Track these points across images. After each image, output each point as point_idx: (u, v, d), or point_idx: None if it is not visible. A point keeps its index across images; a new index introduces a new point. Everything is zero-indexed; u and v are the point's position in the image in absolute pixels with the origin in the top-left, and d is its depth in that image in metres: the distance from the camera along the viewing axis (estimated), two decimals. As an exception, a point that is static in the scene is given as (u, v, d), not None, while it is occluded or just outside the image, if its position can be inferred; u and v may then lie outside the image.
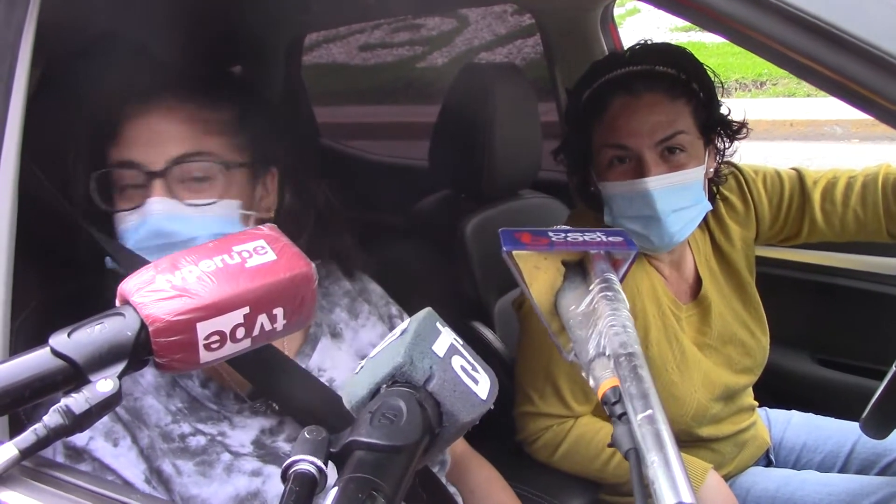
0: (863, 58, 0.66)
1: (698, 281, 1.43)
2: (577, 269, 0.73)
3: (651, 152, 1.26)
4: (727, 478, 1.47)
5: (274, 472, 0.96)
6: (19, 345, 1.01)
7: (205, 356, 0.68)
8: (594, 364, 0.63)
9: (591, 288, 0.69)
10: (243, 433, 0.99)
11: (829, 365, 1.86)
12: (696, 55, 1.35)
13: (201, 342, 0.67)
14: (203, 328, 0.67)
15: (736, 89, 7.11)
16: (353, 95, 3.78)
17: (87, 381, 0.63)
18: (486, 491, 1.23)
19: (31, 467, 0.71)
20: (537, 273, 0.72)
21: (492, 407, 0.65)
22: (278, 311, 0.71)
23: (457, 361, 0.65)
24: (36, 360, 0.63)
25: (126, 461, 0.91)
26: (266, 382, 1.00)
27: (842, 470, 1.53)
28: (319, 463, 0.58)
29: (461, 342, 0.68)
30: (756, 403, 1.56)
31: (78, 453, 0.91)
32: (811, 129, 6.20)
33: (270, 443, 1.00)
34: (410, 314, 1.20)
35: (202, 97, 1.02)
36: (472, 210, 1.77)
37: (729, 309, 1.45)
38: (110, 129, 0.99)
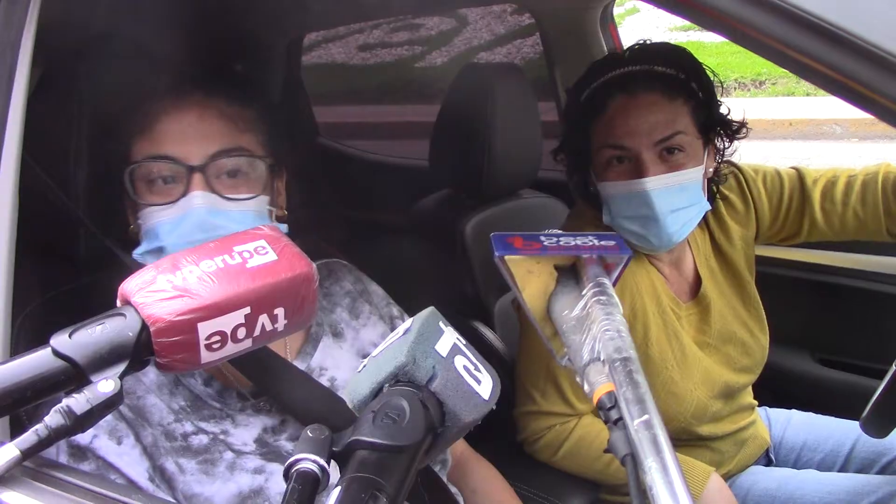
0: (863, 56, 0.66)
1: (698, 280, 1.43)
2: (570, 273, 0.73)
3: (649, 152, 1.26)
4: (727, 477, 1.47)
5: (276, 469, 0.97)
6: (20, 345, 1.01)
7: (206, 356, 0.68)
8: (589, 369, 0.63)
9: (584, 292, 0.69)
10: (246, 431, 0.99)
11: (829, 364, 1.86)
12: (695, 55, 1.35)
13: (202, 342, 0.67)
14: (204, 328, 0.67)
15: (735, 88, 7.11)
16: (353, 95, 3.78)
17: (89, 382, 0.63)
18: (487, 490, 1.23)
19: (32, 468, 0.71)
20: (530, 277, 0.72)
21: (494, 407, 0.65)
22: (279, 311, 0.71)
23: (459, 361, 0.65)
24: (37, 361, 0.63)
25: (129, 459, 0.91)
26: (265, 383, 1.00)
27: (842, 469, 1.53)
28: (322, 462, 0.58)
29: (464, 342, 0.68)
30: (755, 402, 1.56)
31: (82, 452, 0.91)
32: (810, 128, 6.20)
33: (273, 441, 1.00)
34: (411, 313, 1.20)
35: (231, 94, 1.04)
36: (472, 209, 1.77)
37: (729, 308, 1.45)
38: (141, 124, 1.00)
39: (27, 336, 1.04)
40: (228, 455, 0.96)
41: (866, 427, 1.14)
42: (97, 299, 0.73)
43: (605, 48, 2.05)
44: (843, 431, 1.56)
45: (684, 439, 1.42)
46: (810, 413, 1.64)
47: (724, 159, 1.42)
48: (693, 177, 1.28)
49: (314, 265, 0.75)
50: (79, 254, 1.18)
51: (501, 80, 1.77)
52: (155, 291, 0.66)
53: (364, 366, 0.66)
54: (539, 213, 1.90)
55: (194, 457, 0.95)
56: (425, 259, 1.83)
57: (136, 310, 0.66)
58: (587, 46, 2.04)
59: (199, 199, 0.96)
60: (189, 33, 1.22)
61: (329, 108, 3.27)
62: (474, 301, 1.73)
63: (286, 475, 0.58)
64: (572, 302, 0.69)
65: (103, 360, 0.64)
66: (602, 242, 0.72)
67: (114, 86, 1.10)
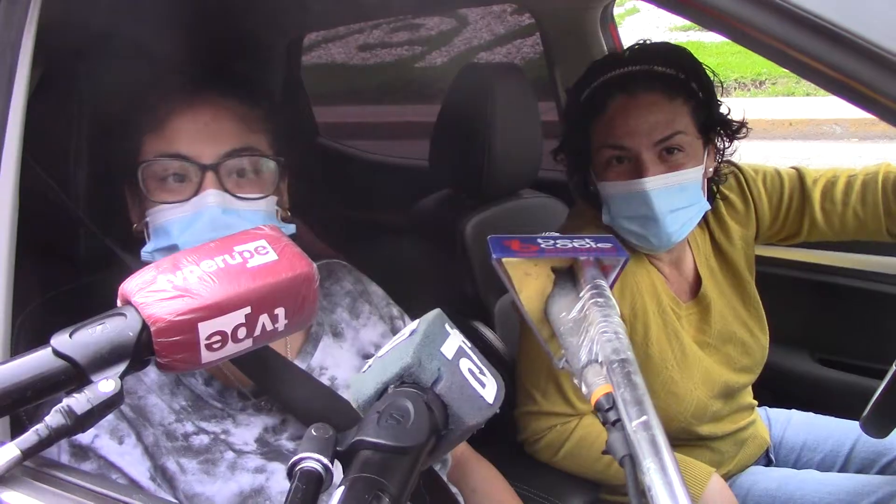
0: (863, 56, 0.66)
1: (698, 279, 1.43)
2: (567, 275, 0.73)
3: (649, 152, 1.26)
4: (727, 477, 1.47)
5: (278, 468, 0.97)
6: (20, 345, 1.01)
7: (206, 356, 0.68)
8: (586, 371, 0.63)
9: (581, 294, 0.69)
10: (247, 431, 0.99)
11: (829, 364, 1.86)
12: (695, 54, 1.35)
13: (203, 342, 0.67)
14: (204, 328, 0.67)
15: (735, 88, 7.11)
16: (353, 95, 3.78)
17: (89, 382, 0.63)
18: (488, 490, 1.23)
19: (33, 467, 0.71)
20: (527, 280, 0.72)
21: (497, 411, 0.65)
22: (280, 311, 0.71)
23: (465, 364, 0.66)
24: (38, 361, 0.63)
25: (131, 459, 0.91)
26: (266, 382, 1.00)
27: (842, 469, 1.53)
28: (326, 461, 0.58)
29: (469, 344, 0.68)
30: (755, 402, 1.56)
31: (83, 451, 0.91)
32: (810, 128, 6.20)
33: (274, 441, 1.00)
34: (411, 313, 1.22)
35: (242, 95, 1.05)
36: (472, 209, 1.77)
37: (729, 308, 1.45)
38: (153, 121, 1.01)
39: (27, 336, 1.04)
40: (229, 455, 0.96)
41: (866, 427, 1.14)
42: (97, 299, 0.73)
43: (605, 48, 2.05)
44: (843, 431, 1.56)
45: (684, 439, 1.42)
46: (810, 413, 1.64)
47: (724, 159, 1.42)
48: (693, 177, 1.28)
49: (315, 265, 0.75)
50: (79, 254, 1.18)
51: (501, 80, 1.77)
52: (155, 291, 0.66)
53: (369, 365, 0.66)
54: (539, 213, 1.90)
55: (195, 457, 0.95)
56: (425, 259, 1.83)
57: (137, 310, 0.66)
58: (587, 46, 2.04)
59: (212, 197, 0.97)
60: (189, 33, 1.22)
61: (329, 109, 3.27)
62: (474, 301, 1.73)
63: (290, 474, 0.58)
64: (570, 304, 0.70)
65: (104, 360, 0.64)
66: (599, 245, 0.73)
67: (114, 86, 1.10)
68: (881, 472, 1.49)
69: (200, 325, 0.66)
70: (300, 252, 0.75)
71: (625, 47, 1.39)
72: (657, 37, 1.49)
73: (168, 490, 0.93)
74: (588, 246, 0.72)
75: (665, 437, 0.54)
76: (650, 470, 0.52)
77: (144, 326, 0.65)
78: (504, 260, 0.71)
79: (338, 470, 0.59)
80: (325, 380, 1.06)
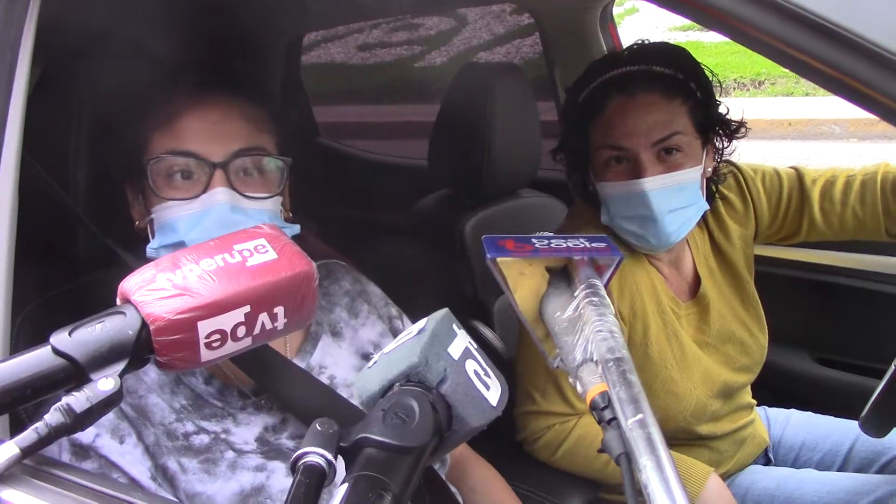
0: (862, 55, 0.66)
1: (697, 279, 1.43)
2: (562, 275, 0.73)
3: (647, 153, 1.26)
4: (726, 476, 1.47)
5: (278, 467, 0.97)
6: (20, 344, 1.01)
7: (206, 355, 0.68)
8: (582, 370, 0.63)
9: (576, 294, 0.69)
10: (247, 430, 0.99)
11: (828, 364, 1.86)
12: (694, 54, 1.35)
13: (202, 341, 0.67)
14: (204, 327, 0.67)
15: (734, 88, 7.11)
16: (352, 95, 3.78)
17: (89, 380, 0.64)
18: (487, 490, 1.23)
19: (32, 466, 0.71)
20: (522, 279, 0.72)
21: (500, 414, 0.65)
22: (279, 310, 0.71)
23: (470, 365, 0.66)
24: (37, 359, 0.63)
25: (132, 458, 0.91)
26: (266, 380, 1.00)
27: (841, 468, 1.53)
28: (329, 456, 0.58)
29: (475, 346, 0.68)
30: (754, 402, 1.56)
31: (84, 450, 0.91)
32: (809, 128, 6.21)
33: (274, 440, 1.00)
34: (410, 313, 1.22)
35: (251, 95, 1.06)
36: (471, 209, 1.77)
37: (728, 307, 1.45)
38: (162, 118, 1.01)
39: (27, 335, 1.04)
40: (230, 454, 0.96)
41: (865, 426, 1.14)
42: (97, 298, 0.73)
43: (605, 48, 2.05)
44: (842, 431, 1.56)
45: (683, 438, 1.42)
46: (809, 412, 1.64)
47: (723, 159, 1.42)
48: (691, 177, 1.28)
49: (314, 264, 0.75)
50: (78, 253, 1.18)
51: (501, 79, 1.77)
52: (155, 290, 0.66)
53: (375, 361, 0.66)
54: (538, 213, 1.90)
55: (196, 456, 0.95)
56: (425, 259, 1.83)
57: (136, 308, 0.66)
58: (586, 46, 2.04)
59: (222, 195, 0.97)
60: (188, 33, 1.22)
61: (328, 108, 3.27)
62: (474, 300, 1.73)
63: (293, 467, 0.58)
64: (564, 303, 0.70)
65: (103, 359, 0.64)
66: (593, 245, 0.73)
67: (114, 84, 1.10)
68: (880, 471, 1.49)
69: (200, 324, 0.66)
70: (299, 251, 0.75)
71: (624, 47, 1.40)
72: (656, 37, 1.49)
73: (169, 489, 0.93)
74: (582, 246, 0.73)
75: (661, 435, 0.54)
76: (646, 467, 0.52)
77: (144, 325, 0.65)
78: (499, 259, 0.71)
79: (340, 465, 0.59)
80: (324, 379, 1.06)
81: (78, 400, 0.63)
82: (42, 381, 0.63)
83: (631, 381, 0.59)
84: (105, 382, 0.63)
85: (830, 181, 1.43)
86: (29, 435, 0.63)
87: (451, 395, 0.63)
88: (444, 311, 0.69)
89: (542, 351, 0.72)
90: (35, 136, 0.95)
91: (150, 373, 0.99)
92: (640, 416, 0.55)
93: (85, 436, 0.90)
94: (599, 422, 0.59)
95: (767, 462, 1.59)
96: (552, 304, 0.71)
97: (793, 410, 1.66)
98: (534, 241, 0.73)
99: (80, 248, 1.18)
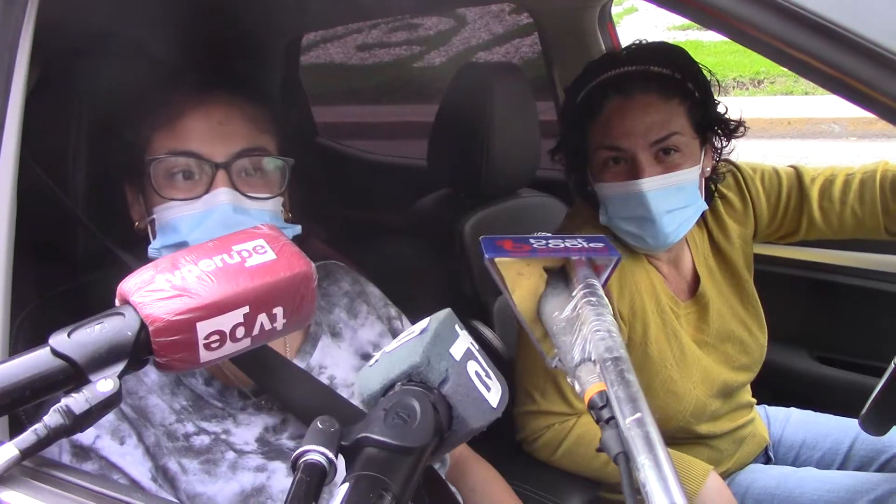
0: (862, 54, 0.66)
1: (697, 278, 1.43)
2: (560, 275, 0.73)
3: (645, 153, 1.26)
4: (726, 475, 1.47)
5: (279, 467, 0.97)
6: (19, 344, 1.01)
7: (205, 356, 0.68)
8: (580, 369, 0.63)
9: (574, 294, 0.69)
10: (247, 430, 0.99)
11: (828, 362, 1.86)
12: (692, 54, 1.35)
13: (201, 342, 0.67)
14: (203, 328, 0.67)
15: (733, 87, 7.11)
16: (351, 95, 3.78)
17: (88, 381, 0.63)
18: (487, 490, 1.23)
19: (32, 467, 0.71)
20: (520, 280, 0.72)
21: (500, 415, 0.65)
22: (278, 311, 0.71)
23: (472, 367, 0.66)
24: (36, 360, 0.63)
25: (132, 459, 0.91)
26: (265, 380, 1.00)
27: (841, 467, 1.53)
28: (330, 455, 0.58)
29: (477, 347, 0.69)
30: (754, 401, 1.56)
31: (84, 452, 0.91)
32: (809, 126, 6.21)
33: (274, 440, 1.00)
34: (410, 313, 1.21)
35: (252, 95, 1.06)
36: (470, 209, 1.77)
37: (727, 306, 1.45)
38: (164, 118, 1.01)
39: (26, 336, 1.04)
40: (230, 455, 0.96)
41: (865, 425, 1.14)
42: (96, 299, 0.73)
43: (604, 47, 2.05)
44: (841, 429, 1.56)
45: (683, 438, 1.42)
46: (809, 411, 1.64)
47: (722, 158, 1.42)
48: (689, 177, 1.28)
49: (313, 264, 0.75)
50: (77, 253, 1.18)
51: (500, 79, 1.77)
52: (154, 291, 0.66)
53: (376, 360, 0.66)
54: (538, 213, 1.90)
55: (196, 457, 0.95)
56: (424, 259, 1.83)
57: (135, 309, 0.66)
58: (585, 46, 2.04)
59: (224, 195, 0.97)
60: (187, 33, 1.22)
61: (328, 109, 3.27)
62: (473, 300, 1.73)
63: (294, 465, 0.58)
64: (562, 303, 0.70)
65: (102, 360, 0.64)
66: (591, 245, 0.73)
67: (113, 85, 1.10)
68: (880, 469, 1.49)
69: (199, 325, 0.66)
70: (298, 251, 0.75)
71: (622, 47, 1.39)
72: (656, 36, 1.49)
73: (169, 490, 0.93)
74: (580, 246, 0.73)
75: (659, 434, 0.54)
76: (644, 466, 0.52)
77: (143, 326, 0.65)
78: (497, 260, 0.71)
79: (341, 464, 0.59)
80: (324, 379, 1.06)
81: (77, 401, 0.63)
82: (41, 383, 0.63)
83: (629, 380, 0.59)
84: (104, 384, 0.63)
85: (829, 180, 1.43)
86: (28, 436, 0.63)
87: (452, 395, 0.63)
88: (447, 311, 0.69)
89: (541, 351, 0.73)
90: (34, 136, 0.95)
91: (151, 374, 0.99)
92: (638, 415, 0.55)
93: (85, 437, 0.90)
94: (597, 421, 0.59)
95: (767, 461, 1.59)
96: (550, 304, 0.71)
97: (792, 409, 1.66)
98: (532, 241, 0.73)
99: (80, 249, 1.18)
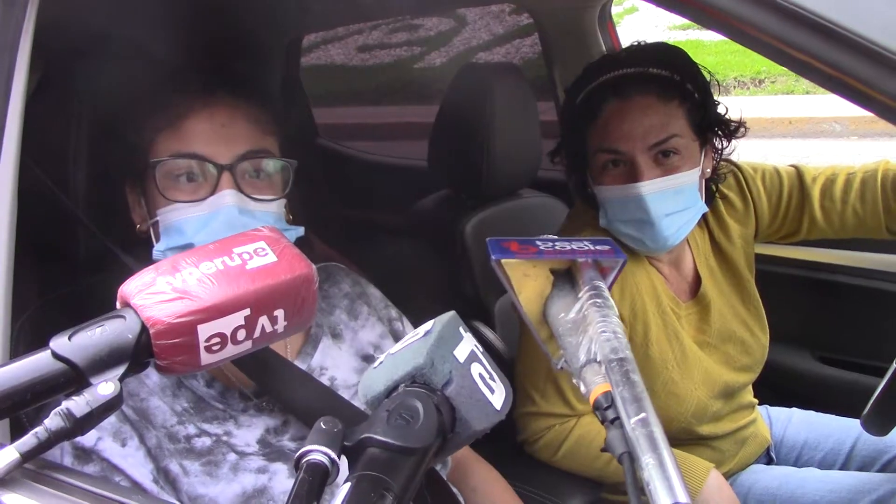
0: (861, 53, 0.66)
1: (698, 279, 1.43)
2: (566, 277, 0.74)
3: (644, 156, 1.26)
4: (728, 475, 1.47)
5: (280, 469, 0.97)
6: (20, 347, 1.01)
7: (206, 358, 0.68)
8: (585, 370, 0.63)
9: (580, 295, 0.69)
10: (249, 432, 0.99)
11: (830, 362, 1.86)
12: (693, 53, 1.34)
13: (202, 344, 0.67)
14: (204, 330, 0.66)
15: (734, 87, 7.11)
16: (352, 96, 3.78)
17: (88, 384, 0.63)
18: (488, 491, 1.23)
19: (33, 470, 0.71)
20: (526, 281, 0.73)
21: (503, 417, 0.66)
22: (279, 313, 0.71)
23: (476, 369, 0.66)
24: (37, 363, 0.63)
25: (134, 461, 0.92)
26: (266, 382, 1.00)
27: (843, 467, 1.53)
28: (333, 455, 0.59)
29: (481, 349, 0.69)
30: (756, 401, 1.56)
31: (86, 454, 0.91)
32: (810, 126, 6.21)
33: (276, 442, 1.00)
34: (410, 314, 1.21)
35: (254, 95, 1.05)
36: (471, 210, 1.77)
37: (728, 307, 1.45)
38: (168, 119, 1.01)
39: (27, 338, 1.04)
40: (232, 457, 0.96)
41: (867, 425, 1.14)
42: (97, 301, 0.73)
43: (604, 47, 2.05)
44: (843, 429, 1.55)
45: (684, 439, 1.42)
46: (811, 411, 1.64)
47: (723, 158, 1.42)
48: (689, 180, 1.28)
49: (314, 266, 0.75)
50: (78, 255, 1.18)
51: (500, 79, 1.77)
52: (154, 293, 0.66)
53: (380, 362, 0.66)
54: (539, 213, 1.90)
55: (198, 458, 0.95)
56: (425, 259, 1.83)
57: (136, 312, 0.66)
58: (586, 46, 2.04)
59: (230, 197, 0.97)
60: (187, 33, 1.22)
61: (328, 110, 3.27)
62: (474, 301, 1.73)
63: (297, 465, 0.58)
64: (568, 305, 0.70)
65: (103, 363, 0.64)
66: (597, 247, 0.73)
67: (114, 85, 1.10)
68: (882, 469, 1.49)
69: (200, 328, 0.66)
70: (299, 253, 0.75)
71: (622, 48, 1.39)
72: (656, 36, 1.49)
73: (171, 492, 0.93)
74: (586, 248, 0.73)
75: (663, 434, 0.54)
76: (648, 465, 0.52)
77: (144, 329, 0.65)
78: (503, 261, 0.71)
79: (344, 465, 0.59)
80: (324, 380, 1.06)
81: (78, 404, 0.62)
82: (42, 386, 0.63)
83: (634, 380, 0.59)
84: (105, 387, 0.63)
85: (831, 179, 1.43)
86: (29, 440, 0.63)
87: (455, 397, 0.63)
88: (451, 313, 0.69)
89: (546, 352, 0.73)
90: (35, 137, 0.95)
91: (152, 376, 0.99)
92: (642, 415, 0.56)
93: (87, 439, 0.90)
94: (602, 421, 0.60)
95: (769, 461, 1.59)
96: (556, 306, 0.71)
97: (794, 409, 1.66)
98: (538, 243, 0.73)
99: (80, 250, 1.18)
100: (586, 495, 1.40)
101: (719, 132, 1.37)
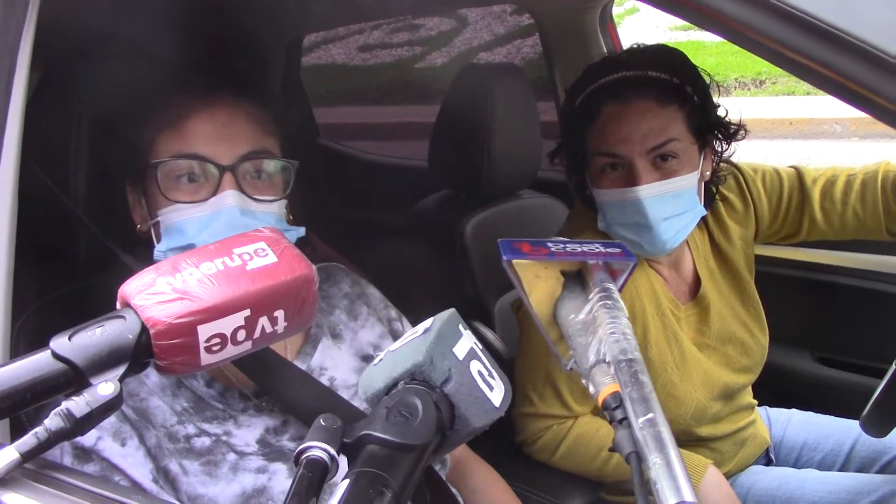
0: (860, 56, 0.66)
1: (697, 280, 1.43)
2: (576, 279, 0.74)
3: (642, 160, 1.25)
4: (727, 476, 1.47)
5: (279, 468, 0.97)
6: (20, 347, 1.01)
7: (206, 359, 0.68)
8: (594, 371, 0.64)
9: (590, 297, 0.70)
10: (248, 432, 1.00)
11: (829, 363, 1.86)
12: (694, 55, 1.34)
13: (202, 345, 0.67)
14: (204, 331, 0.67)
15: (735, 88, 7.10)
16: (353, 96, 3.78)
17: (88, 384, 0.63)
18: (487, 491, 1.23)
19: (33, 470, 0.71)
20: (537, 282, 0.73)
21: (503, 415, 0.66)
22: (279, 314, 0.71)
23: (475, 366, 0.66)
24: (37, 364, 0.63)
25: (134, 461, 0.92)
26: (266, 382, 1.00)
27: (842, 468, 1.53)
28: (332, 451, 0.59)
29: (480, 346, 0.69)
30: (755, 402, 1.56)
31: (86, 453, 0.91)
32: (810, 127, 6.20)
33: (275, 441, 1.00)
34: (410, 314, 1.22)
35: (256, 97, 1.06)
36: (471, 210, 1.77)
37: (728, 308, 1.45)
38: (169, 120, 1.01)
39: (27, 338, 1.04)
40: (231, 456, 0.96)
41: (866, 426, 1.14)
42: (97, 301, 0.73)
43: (605, 48, 2.05)
44: (843, 431, 1.56)
45: (683, 440, 1.42)
46: (810, 412, 1.64)
47: (723, 159, 1.42)
48: (687, 183, 1.27)
49: (314, 267, 0.75)
50: (79, 255, 1.18)
51: (501, 80, 1.77)
52: (155, 294, 0.66)
53: (380, 359, 0.67)
54: (539, 214, 1.90)
55: (197, 458, 0.95)
56: (425, 259, 1.83)
57: (136, 312, 0.66)
58: (586, 46, 2.04)
59: (231, 198, 0.97)
60: (187, 33, 1.22)
61: (329, 109, 3.27)
62: (474, 301, 1.73)
63: (296, 461, 0.59)
64: (578, 306, 0.71)
65: (103, 363, 0.64)
66: (608, 249, 0.74)
67: (114, 86, 1.10)
68: (881, 471, 1.49)
69: (200, 328, 0.66)
70: (299, 254, 0.75)
71: (622, 49, 1.39)
72: (657, 36, 1.49)
73: (170, 492, 0.93)
74: (597, 250, 0.74)
75: (671, 434, 0.55)
76: (656, 465, 0.53)
77: (144, 329, 0.65)
78: (515, 262, 0.71)
79: (343, 461, 0.59)
80: (324, 380, 1.07)
81: (78, 405, 0.62)
82: (42, 386, 0.63)
83: (642, 381, 0.60)
84: (105, 387, 0.63)
85: (831, 180, 1.43)
86: (29, 440, 0.63)
87: (454, 394, 0.63)
88: (451, 311, 0.70)
89: (556, 353, 0.74)
90: (35, 137, 0.95)
91: (152, 376, 0.99)
92: (650, 415, 0.57)
93: (87, 439, 0.90)
94: (611, 421, 0.61)
95: (769, 462, 1.59)
96: (567, 307, 0.72)
97: (794, 410, 1.66)
98: (549, 244, 0.74)
99: (80, 250, 1.18)
100: (585, 496, 1.41)
101: (719, 135, 1.36)
